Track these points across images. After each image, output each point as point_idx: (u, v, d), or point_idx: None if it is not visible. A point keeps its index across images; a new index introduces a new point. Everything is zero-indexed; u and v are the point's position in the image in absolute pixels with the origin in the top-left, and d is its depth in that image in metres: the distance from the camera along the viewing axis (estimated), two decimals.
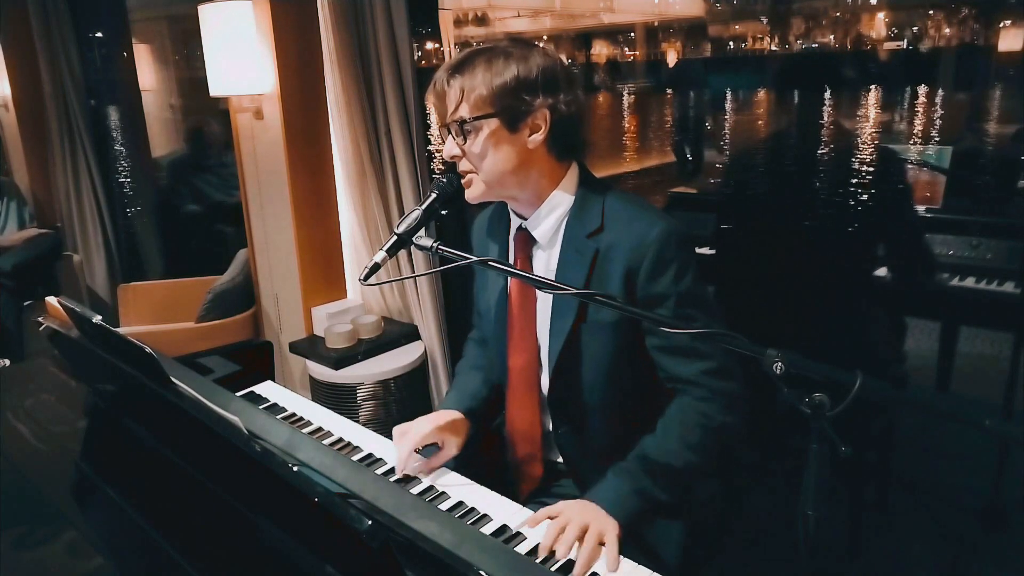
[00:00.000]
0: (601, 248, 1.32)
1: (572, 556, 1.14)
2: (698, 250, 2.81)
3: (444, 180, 1.32)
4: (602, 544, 1.17)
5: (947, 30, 2.57)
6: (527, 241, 1.40)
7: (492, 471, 1.46)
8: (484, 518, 1.23)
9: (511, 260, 1.43)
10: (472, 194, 1.33)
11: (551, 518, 1.21)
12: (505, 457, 1.52)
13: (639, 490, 1.26)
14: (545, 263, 1.39)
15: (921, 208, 2.52)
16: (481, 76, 1.26)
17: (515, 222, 1.42)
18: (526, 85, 1.26)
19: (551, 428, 1.45)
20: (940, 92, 2.72)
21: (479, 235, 1.55)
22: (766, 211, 2.65)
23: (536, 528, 1.21)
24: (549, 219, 1.36)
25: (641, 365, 1.37)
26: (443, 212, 1.32)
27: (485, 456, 1.53)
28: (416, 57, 2.61)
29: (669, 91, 3.55)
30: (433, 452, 1.40)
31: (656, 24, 3.42)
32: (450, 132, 1.30)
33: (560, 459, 1.47)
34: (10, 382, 1.76)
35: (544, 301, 1.39)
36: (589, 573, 1.11)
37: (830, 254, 2.48)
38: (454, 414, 1.45)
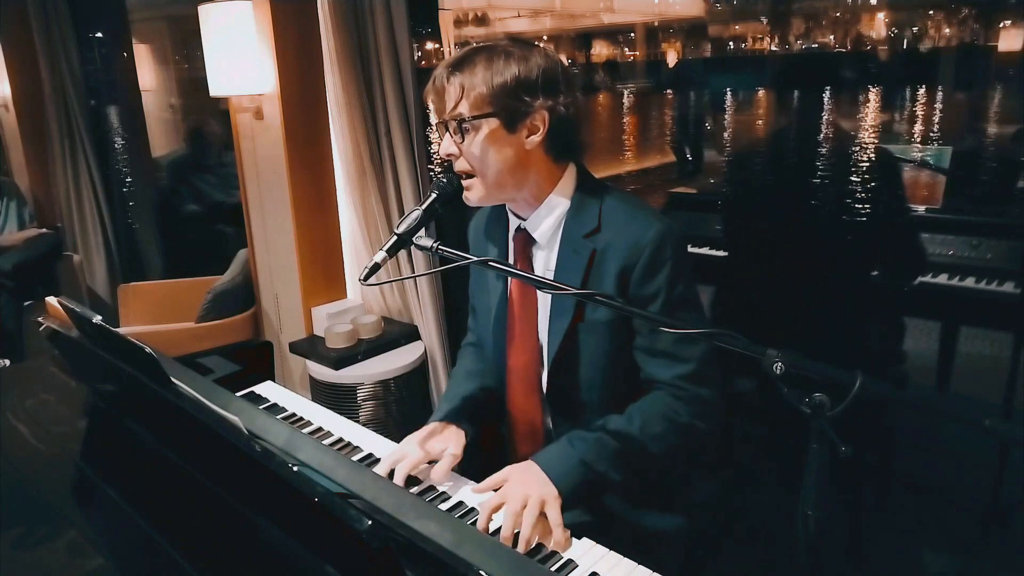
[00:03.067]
0: (598, 248, 1.32)
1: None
2: (698, 250, 2.81)
3: (444, 180, 1.32)
4: (544, 514, 1.19)
5: (947, 30, 2.57)
6: (527, 241, 1.40)
7: (492, 471, 1.46)
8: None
9: (510, 261, 1.44)
10: (472, 198, 1.33)
11: (495, 490, 1.23)
12: (505, 457, 1.52)
13: (586, 462, 1.27)
14: (544, 263, 1.39)
15: (921, 208, 2.52)
16: (481, 74, 1.26)
17: (514, 223, 1.42)
18: (526, 85, 1.26)
19: (552, 426, 1.45)
20: (940, 92, 2.72)
21: (476, 236, 1.55)
22: (766, 211, 2.65)
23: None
24: (548, 219, 1.37)
25: (637, 364, 1.37)
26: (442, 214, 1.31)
27: (485, 456, 1.53)
28: (416, 57, 2.61)
29: (669, 91, 3.55)
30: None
31: (656, 24, 3.42)
32: (447, 129, 1.30)
33: None
34: (10, 382, 1.76)
35: (543, 301, 1.39)
36: (589, 573, 1.11)
37: (830, 254, 2.48)
38: (442, 426, 1.42)
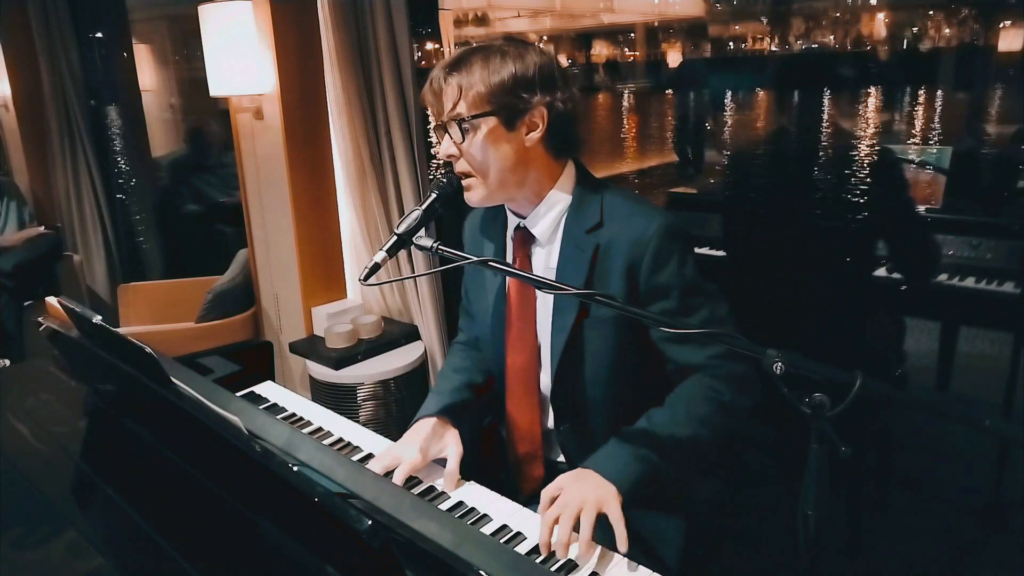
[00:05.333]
0: (601, 243, 1.32)
1: (572, 556, 1.14)
2: (698, 250, 2.81)
3: (444, 180, 1.32)
4: (604, 514, 1.14)
5: (947, 30, 2.57)
6: (526, 239, 1.40)
7: (492, 471, 1.46)
8: (484, 518, 1.23)
9: (509, 259, 1.43)
10: (474, 198, 1.33)
11: (553, 499, 1.19)
12: (505, 457, 1.51)
13: (641, 456, 1.24)
14: (544, 260, 1.39)
15: (921, 208, 2.52)
16: (479, 74, 1.26)
17: (512, 221, 1.42)
18: (523, 83, 1.27)
19: (552, 426, 1.45)
20: (940, 92, 2.72)
21: (472, 235, 1.54)
22: (765, 211, 2.65)
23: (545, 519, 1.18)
24: (548, 217, 1.37)
25: (644, 359, 1.37)
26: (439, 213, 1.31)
27: (485, 456, 1.53)
28: (416, 57, 2.61)
29: (669, 91, 3.55)
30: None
31: (656, 24, 3.42)
32: (446, 131, 1.30)
33: (561, 458, 1.47)
34: (10, 382, 1.76)
35: (544, 299, 1.39)
36: (589, 574, 1.11)
37: (830, 254, 2.48)
38: (431, 422, 1.40)
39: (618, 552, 1.12)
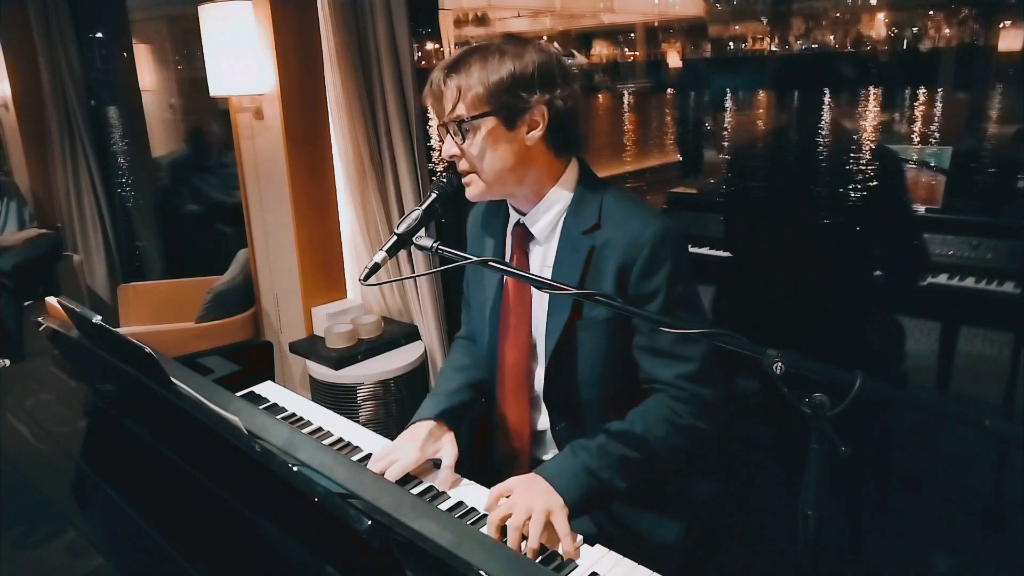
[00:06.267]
0: (597, 245, 1.32)
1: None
2: (698, 250, 2.81)
3: (444, 180, 1.32)
4: (551, 524, 1.17)
5: (947, 30, 2.57)
6: (524, 236, 1.40)
7: (483, 468, 1.46)
8: (484, 518, 1.23)
9: (507, 255, 1.44)
10: (472, 193, 1.33)
11: (506, 497, 1.21)
12: (493, 451, 1.51)
13: (591, 470, 1.25)
14: (541, 258, 1.39)
15: (921, 208, 2.52)
16: (477, 74, 1.26)
17: (513, 217, 1.42)
18: (522, 81, 1.26)
19: (546, 425, 1.45)
20: (940, 92, 2.72)
21: (473, 229, 1.55)
22: (765, 211, 2.65)
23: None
24: (547, 215, 1.37)
25: (635, 362, 1.37)
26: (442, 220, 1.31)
27: (478, 454, 1.53)
28: (416, 57, 2.61)
29: (669, 91, 3.56)
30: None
31: (656, 24, 3.42)
32: (448, 132, 1.30)
33: (547, 457, 1.47)
34: (10, 382, 1.76)
35: (540, 297, 1.39)
36: (589, 573, 1.11)
37: (830, 254, 2.48)
38: (428, 425, 1.40)
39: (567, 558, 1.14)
